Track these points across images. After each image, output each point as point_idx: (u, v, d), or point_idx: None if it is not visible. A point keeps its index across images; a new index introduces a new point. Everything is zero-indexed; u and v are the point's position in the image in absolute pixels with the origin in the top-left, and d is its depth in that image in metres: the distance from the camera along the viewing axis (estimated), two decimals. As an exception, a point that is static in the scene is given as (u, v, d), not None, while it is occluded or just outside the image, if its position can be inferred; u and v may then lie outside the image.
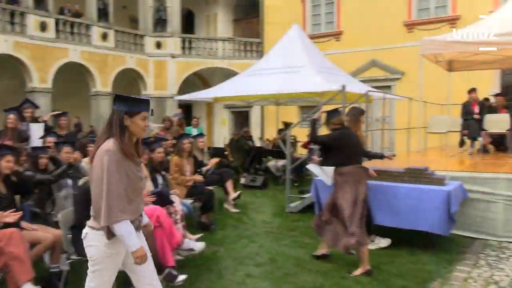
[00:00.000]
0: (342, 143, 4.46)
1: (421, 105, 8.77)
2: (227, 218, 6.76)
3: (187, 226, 4.90)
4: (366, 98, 7.36)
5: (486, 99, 10.33)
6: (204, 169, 6.91)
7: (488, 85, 12.62)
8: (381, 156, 5.05)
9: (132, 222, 2.50)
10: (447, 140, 9.67)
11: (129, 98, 2.53)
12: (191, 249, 4.44)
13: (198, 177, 6.36)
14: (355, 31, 14.93)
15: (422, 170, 5.25)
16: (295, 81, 9.28)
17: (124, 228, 2.43)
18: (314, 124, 4.74)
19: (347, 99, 7.40)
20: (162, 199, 4.52)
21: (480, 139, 8.54)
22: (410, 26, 14.10)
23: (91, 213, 2.55)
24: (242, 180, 9.98)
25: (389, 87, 14.46)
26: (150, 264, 2.67)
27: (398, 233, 5.35)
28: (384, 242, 5.16)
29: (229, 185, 7.22)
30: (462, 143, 9.24)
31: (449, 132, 9.38)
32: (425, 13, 14.15)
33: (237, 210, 7.24)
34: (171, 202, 4.70)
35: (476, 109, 8.84)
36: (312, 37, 14.54)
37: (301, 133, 10.59)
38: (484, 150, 8.78)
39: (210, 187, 6.46)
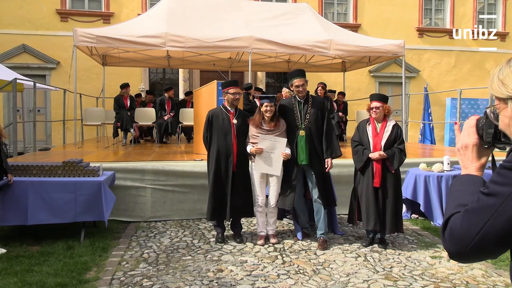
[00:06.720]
0: None
1: (77, 97, 8.67)
2: None
3: None
4: (14, 86, 6.64)
5: (138, 95, 11.30)
6: None
7: (139, 81, 13.87)
8: None
9: None
10: (102, 132, 9.97)
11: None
12: None
13: None
14: (2, 10, 13.15)
15: (77, 162, 5.24)
16: None
17: None
18: None
19: (-10, 86, 6.47)
20: None
21: (132, 130, 9.26)
22: (64, 15, 13.62)
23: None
24: None
25: (44, 76, 13.57)
26: None
27: (54, 230, 5.15)
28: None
29: None
30: (116, 135, 9.75)
31: (104, 124, 9.71)
32: (80, 4, 13.99)
33: None
34: None
35: (128, 103, 9.55)
36: None
37: None
38: (135, 141, 9.58)
39: None
